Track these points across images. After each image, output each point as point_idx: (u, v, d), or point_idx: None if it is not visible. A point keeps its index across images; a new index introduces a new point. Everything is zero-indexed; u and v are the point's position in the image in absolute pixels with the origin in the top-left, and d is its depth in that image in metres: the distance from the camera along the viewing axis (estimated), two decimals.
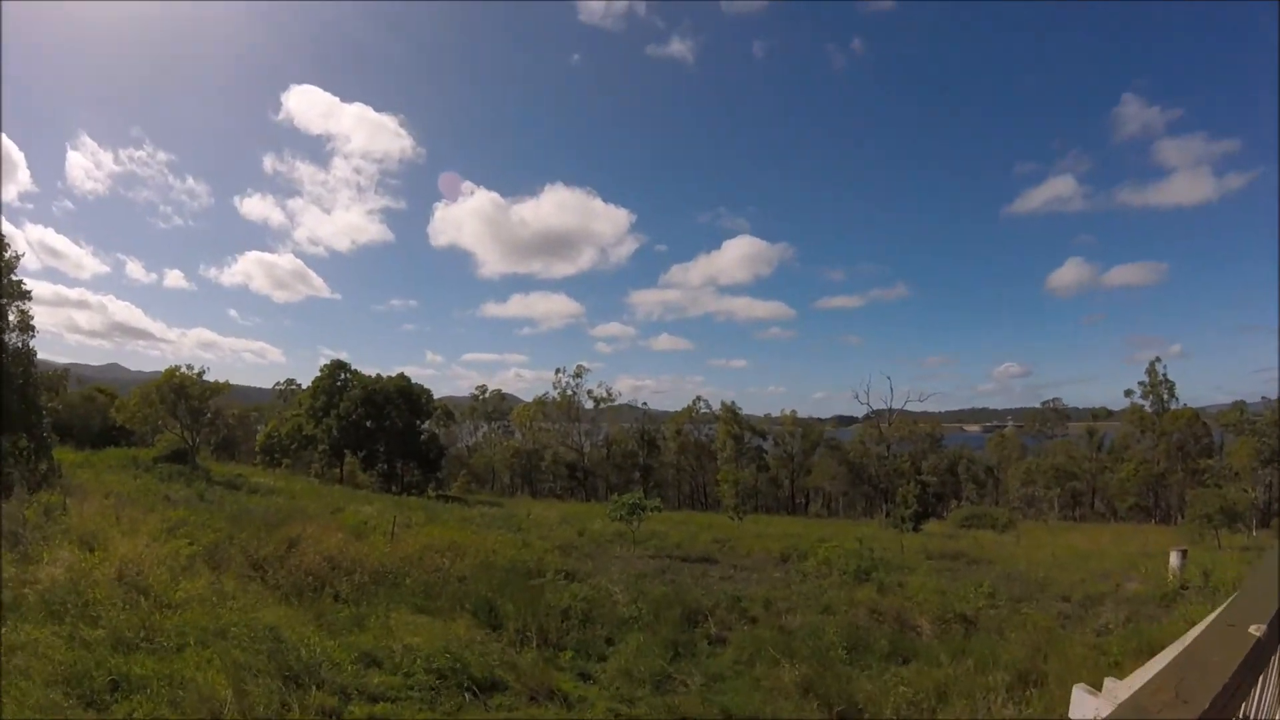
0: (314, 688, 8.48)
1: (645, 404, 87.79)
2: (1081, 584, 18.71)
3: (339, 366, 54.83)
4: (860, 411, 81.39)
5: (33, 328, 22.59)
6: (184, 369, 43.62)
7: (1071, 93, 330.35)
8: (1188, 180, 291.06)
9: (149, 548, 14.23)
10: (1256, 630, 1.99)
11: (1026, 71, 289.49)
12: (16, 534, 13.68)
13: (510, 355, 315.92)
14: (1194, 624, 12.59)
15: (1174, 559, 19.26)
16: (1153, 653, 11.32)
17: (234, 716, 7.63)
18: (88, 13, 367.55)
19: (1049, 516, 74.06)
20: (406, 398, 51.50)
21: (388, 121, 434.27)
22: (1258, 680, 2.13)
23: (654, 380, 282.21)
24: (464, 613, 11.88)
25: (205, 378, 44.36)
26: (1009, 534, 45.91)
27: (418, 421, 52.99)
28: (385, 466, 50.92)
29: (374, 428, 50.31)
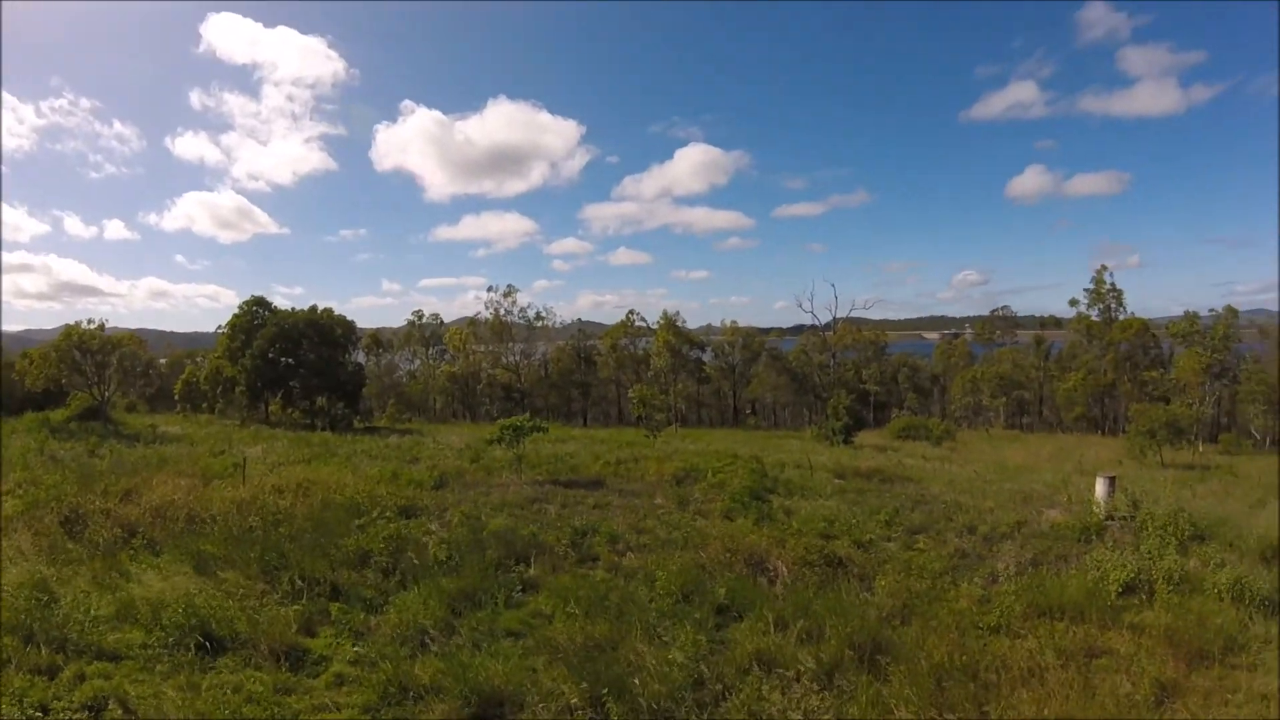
0: (42, 646, 8.46)
1: (580, 320, 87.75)
2: (993, 512, 16.96)
3: (256, 303, 53.58)
4: (810, 321, 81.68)
5: None
6: (83, 324, 43.72)
7: None
8: (1153, 90, 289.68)
9: None
10: None
11: None
12: None
13: (467, 278, 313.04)
14: (1104, 572, 11.16)
15: (1100, 487, 16.99)
16: (1042, 615, 9.77)
17: None
18: None
19: (993, 426, 75.33)
20: (318, 330, 50.63)
21: (315, 44, 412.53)
22: None
23: (616, 295, 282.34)
24: (251, 560, 11.58)
25: (107, 329, 44.52)
26: (944, 446, 45.86)
27: (338, 353, 52.42)
28: (307, 403, 50.64)
29: (290, 364, 49.82)
